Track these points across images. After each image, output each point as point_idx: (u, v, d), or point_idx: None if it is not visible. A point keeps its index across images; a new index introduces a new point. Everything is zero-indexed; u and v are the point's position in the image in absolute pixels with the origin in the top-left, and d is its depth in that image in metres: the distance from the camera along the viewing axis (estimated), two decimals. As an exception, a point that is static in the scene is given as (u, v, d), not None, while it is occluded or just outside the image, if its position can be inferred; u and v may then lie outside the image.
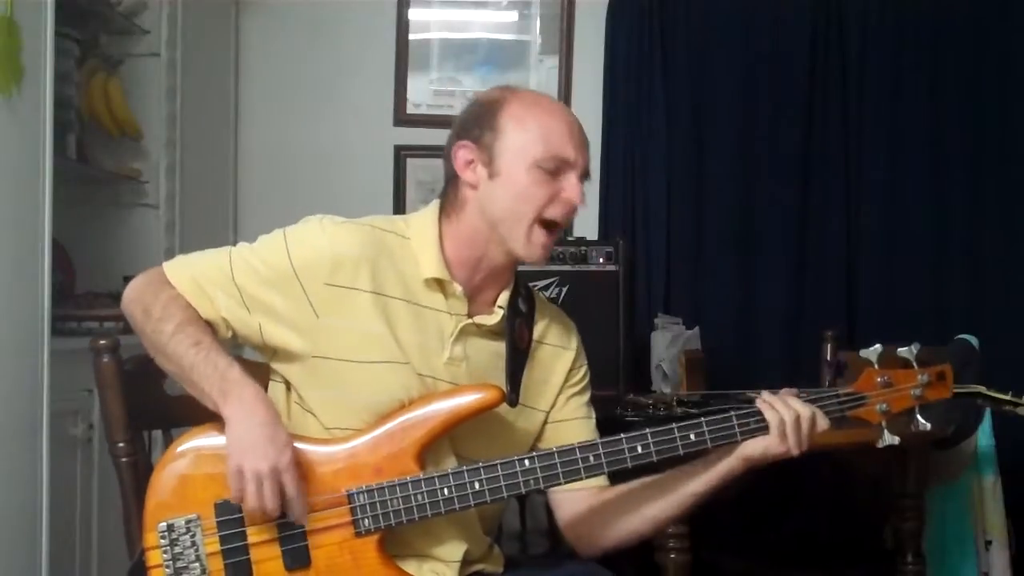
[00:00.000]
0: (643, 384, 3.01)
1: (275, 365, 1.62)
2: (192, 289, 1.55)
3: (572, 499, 1.67)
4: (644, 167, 3.75)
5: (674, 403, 2.56)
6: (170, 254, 3.21)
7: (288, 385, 1.62)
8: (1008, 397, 2.14)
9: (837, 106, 3.75)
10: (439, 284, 1.60)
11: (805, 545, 3.11)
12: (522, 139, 1.56)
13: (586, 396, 1.74)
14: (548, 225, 1.57)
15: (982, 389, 2.23)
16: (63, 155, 2.76)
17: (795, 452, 1.53)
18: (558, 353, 1.71)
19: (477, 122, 1.59)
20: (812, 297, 3.74)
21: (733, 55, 3.77)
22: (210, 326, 1.55)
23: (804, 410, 1.53)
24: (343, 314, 1.55)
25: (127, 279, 3.14)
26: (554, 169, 1.56)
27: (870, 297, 3.73)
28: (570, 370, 1.72)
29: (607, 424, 2.07)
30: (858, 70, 3.75)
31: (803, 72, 3.75)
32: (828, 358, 3.02)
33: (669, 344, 3.05)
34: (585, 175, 1.60)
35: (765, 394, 1.56)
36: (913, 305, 3.69)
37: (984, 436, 2.79)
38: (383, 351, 1.56)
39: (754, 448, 1.55)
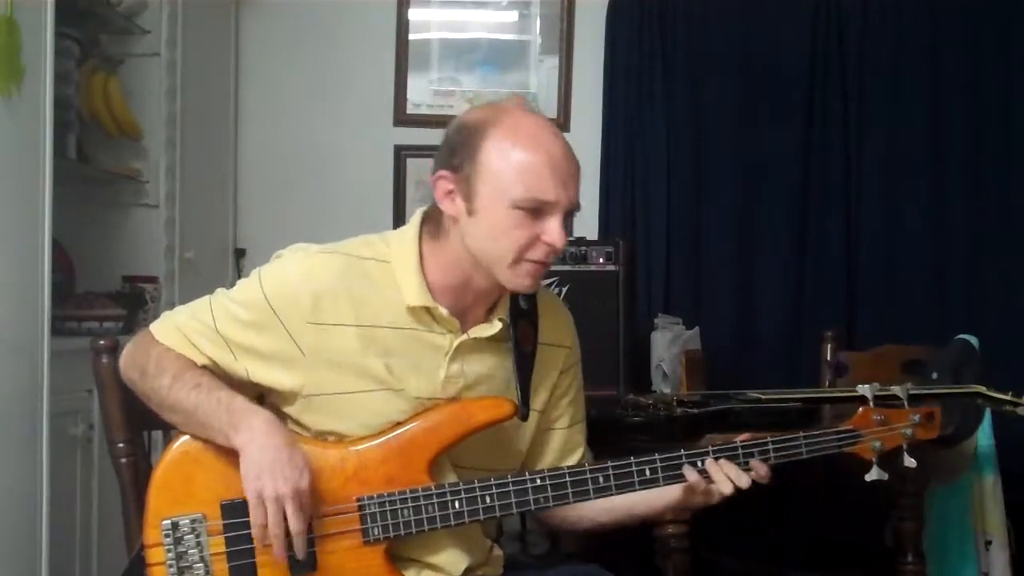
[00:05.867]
0: (643, 384, 3.00)
1: (269, 401, 1.60)
2: (179, 340, 1.55)
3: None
4: (644, 167, 3.75)
5: (674, 403, 2.56)
6: (170, 253, 3.24)
7: (282, 415, 1.60)
8: (1008, 397, 2.15)
9: (837, 106, 3.75)
10: (425, 310, 1.56)
11: (805, 545, 3.11)
12: (501, 178, 1.48)
13: (580, 402, 1.74)
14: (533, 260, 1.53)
15: (982, 389, 2.23)
16: (63, 155, 2.76)
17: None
18: (554, 351, 1.69)
19: (458, 152, 1.52)
20: (812, 297, 3.73)
21: (733, 55, 3.77)
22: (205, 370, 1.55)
23: (726, 489, 1.58)
24: (330, 350, 1.53)
25: (126, 279, 3.20)
26: (534, 210, 1.49)
27: (870, 297, 3.73)
28: (563, 370, 1.70)
29: (607, 424, 2.08)
30: (858, 70, 3.74)
31: (803, 72, 3.74)
32: (828, 358, 3.02)
33: (669, 344, 3.05)
34: (572, 211, 1.53)
35: (719, 462, 1.59)
36: (913, 305, 3.69)
37: (984, 436, 2.79)
38: (375, 381, 1.54)
39: (684, 502, 1.62)
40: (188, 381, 1.50)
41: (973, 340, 2.89)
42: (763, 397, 2.40)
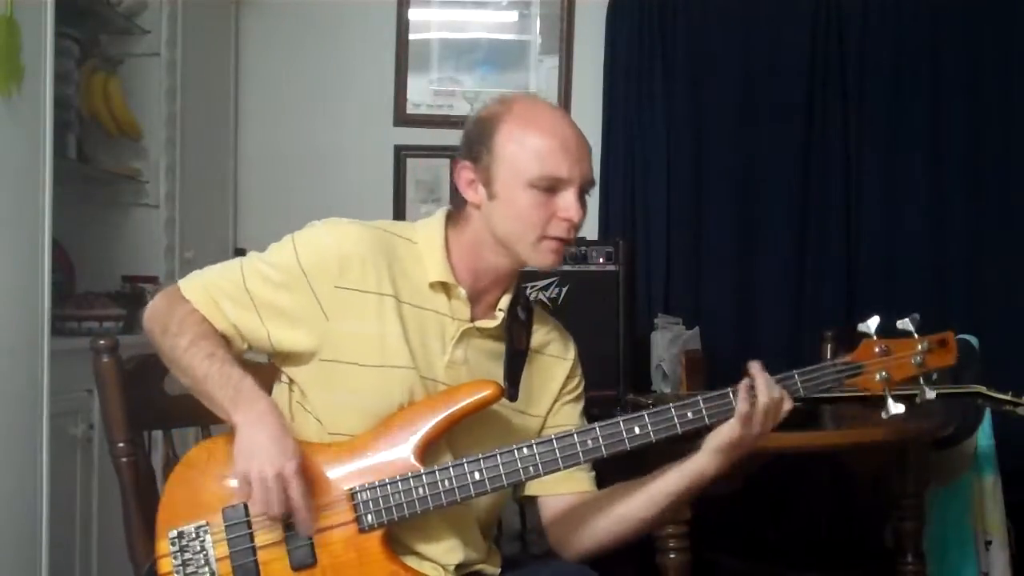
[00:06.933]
0: (643, 384, 3.01)
1: (284, 368, 1.64)
2: (204, 301, 1.57)
3: (556, 501, 1.70)
4: (644, 167, 3.75)
5: (674, 403, 2.55)
6: (170, 253, 3.24)
7: (291, 384, 1.63)
8: (1008, 397, 2.15)
9: (837, 106, 3.75)
10: (443, 287, 1.61)
11: (805, 545, 3.11)
12: (516, 161, 1.56)
13: (581, 405, 1.76)
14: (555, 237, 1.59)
15: (982, 389, 2.23)
16: (63, 155, 2.75)
17: (756, 433, 1.56)
18: (556, 363, 1.73)
19: (476, 143, 1.60)
20: (812, 297, 3.74)
21: (733, 55, 3.77)
22: (225, 339, 1.57)
23: (776, 393, 1.59)
24: (352, 317, 1.57)
25: (127, 279, 3.19)
26: (550, 188, 1.56)
27: (870, 297, 3.73)
28: (567, 378, 1.74)
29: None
30: (858, 69, 3.75)
31: (803, 72, 3.75)
32: (828, 358, 3.02)
33: (669, 344, 3.05)
34: (587, 187, 1.60)
35: (756, 368, 1.58)
36: (913, 305, 3.66)
37: (984, 436, 2.80)
38: (390, 355, 1.57)
39: (720, 438, 1.57)
40: (204, 348, 1.53)
41: (973, 340, 2.89)
42: (763, 397, 2.39)
